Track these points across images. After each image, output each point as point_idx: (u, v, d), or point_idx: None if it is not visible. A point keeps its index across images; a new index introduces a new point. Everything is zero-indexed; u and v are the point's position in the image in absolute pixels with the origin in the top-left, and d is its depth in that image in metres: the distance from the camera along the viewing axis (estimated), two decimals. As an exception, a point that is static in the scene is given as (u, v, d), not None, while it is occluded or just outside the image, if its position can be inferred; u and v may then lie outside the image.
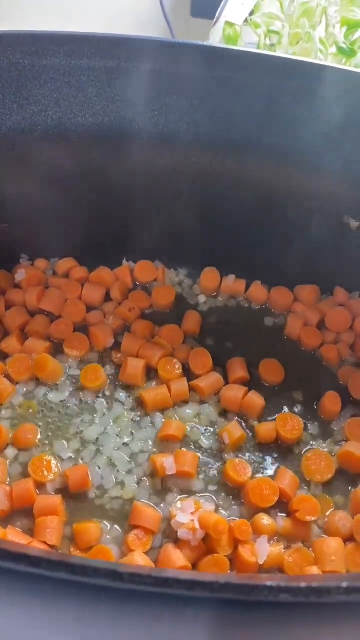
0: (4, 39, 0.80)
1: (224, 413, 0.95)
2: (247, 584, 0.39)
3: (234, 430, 0.91)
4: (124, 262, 1.10)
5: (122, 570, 0.38)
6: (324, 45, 1.09)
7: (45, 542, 0.78)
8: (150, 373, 0.98)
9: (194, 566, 0.79)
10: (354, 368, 1.01)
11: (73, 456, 0.88)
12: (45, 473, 0.85)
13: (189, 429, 0.92)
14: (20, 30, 0.81)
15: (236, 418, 0.95)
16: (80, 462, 0.88)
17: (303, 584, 0.39)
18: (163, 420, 0.93)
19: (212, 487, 0.87)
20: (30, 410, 0.92)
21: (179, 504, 0.83)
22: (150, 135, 0.93)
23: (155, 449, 0.90)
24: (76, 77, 0.86)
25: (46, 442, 0.89)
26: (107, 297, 1.07)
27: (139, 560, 0.78)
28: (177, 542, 0.81)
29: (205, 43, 0.85)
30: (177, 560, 0.78)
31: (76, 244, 1.08)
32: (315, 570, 0.78)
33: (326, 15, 1.19)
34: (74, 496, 0.85)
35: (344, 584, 0.39)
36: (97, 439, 0.90)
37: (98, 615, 0.43)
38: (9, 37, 0.80)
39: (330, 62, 1.11)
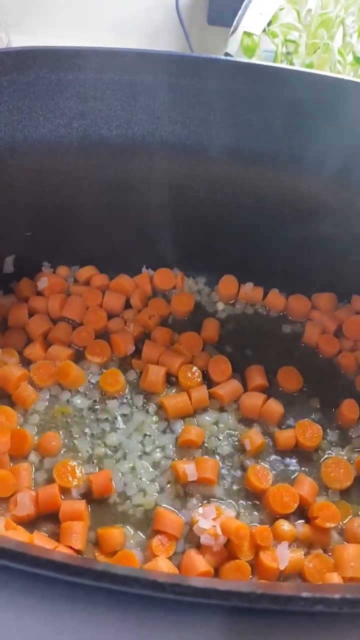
0: (31, 54, 0.82)
1: (244, 420, 0.97)
2: (282, 595, 0.40)
3: (255, 437, 0.93)
4: (144, 269, 1.12)
5: (162, 580, 0.40)
6: (341, 56, 1.10)
7: (70, 547, 0.80)
8: (170, 380, 1.00)
9: (216, 571, 0.81)
10: (372, 376, 1.02)
11: (96, 462, 0.90)
12: (70, 478, 0.87)
13: (209, 435, 0.94)
14: (47, 46, 0.82)
15: (256, 425, 0.96)
16: (103, 467, 0.89)
17: (337, 596, 0.41)
18: (183, 426, 0.94)
19: (232, 494, 0.89)
20: (53, 419, 0.94)
21: (200, 510, 0.85)
22: (172, 146, 0.95)
23: (176, 455, 0.91)
24: (101, 91, 0.87)
25: (70, 447, 0.91)
26: (127, 305, 1.08)
27: (163, 565, 0.79)
28: (199, 547, 0.82)
29: (226, 58, 0.87)
30: (199, 565, 0.79)
31: (97, 252, 1.10)
32: (335, 576, 0.79)
33: (343, 25, 1.20)
34: (98, 501, 0.86)
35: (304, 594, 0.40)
36: (119, 444, 0.92)
37: (136, 624, 0.44)
38: (36, 52, 0.82)
39: (348, 73, 1.12)
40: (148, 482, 0.88)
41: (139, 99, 0.88)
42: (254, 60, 1.10)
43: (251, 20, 1.21)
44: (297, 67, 1.03)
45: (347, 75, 1.14)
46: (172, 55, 0.85)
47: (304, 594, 0.39)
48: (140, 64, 0.85)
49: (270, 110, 0.92)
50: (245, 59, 1.21)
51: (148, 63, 0.85)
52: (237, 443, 0.94)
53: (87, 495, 0.87)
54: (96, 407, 0.96)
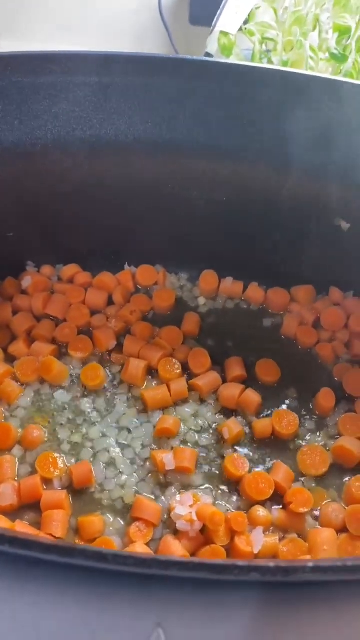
0: (3, 60, 0.85)
1: (222, 411, 0.99)
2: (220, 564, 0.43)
3: (234, 426, 0.95)
4: (126, 266, 1.15)
5: (105, 552, 0.42)
6: (314, 52, 1.12)
7: (51, 535, 0.83)
8: (151, 373, 1.02)
9: (192, 556, 0.83)
10: (349, 365, 1.04)
11: (77, 453, 0.93)
12: (52, 469, 0.89)
13: (188, 426, 0.96)
14: (18, 52, 0.85)
15: (234, 415, 0.98)
16: (84, 458, 0.92)
17: (272, 564, 0.43)
18: (162, 417, 0.97)
19: (210, 482, 0.91)
20: (36, 413, 0.97)
21: (178, 497, 0.87)
22: (147, 145, 0.97)
23: (155, 445, 0.94)
24: (73, 93, 0.90)
25: (52, 440, 0.94)
26: (110, 301, 1.11)
27: (140, 550, 0.82)
28: (176, 533, 0.85)
29: (189, 57, 0.89)
30: (176, 550, 0.82)
31: (80, 250, 1.12)
32: (308, 559, 0.82)
33: (319, 22, 1.22)
34: (79, 491, 0.89)
35: (310, 564, 0.43)
36: (100, 436, 0.94)
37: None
38: (8, 58, 0.85)
39: (321, 69, 1.14)
40: (128, 472, 0.91)
41: (110, 100, 0.91)
42: (219, 59, 1.12)
43: (227, 19, 1.23)
44: (256, 64, 1.05)
45: (321, 71, 1.16)
46: (139, 57, 0.87)
47: (239, 563, 0.42)
48: (108, 66, 0.87)
49: (242, 106, 0.94)
50: (222, 59, 1.24)
51: (116, 65, 0.87)
52: (215, 433, 0.96)
53: (69, 486, 0.90)
54: (78, 400, 0.98)
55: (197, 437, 0.95)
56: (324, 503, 0.89)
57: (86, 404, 0.98)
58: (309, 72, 1.04)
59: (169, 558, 0.44)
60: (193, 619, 0.52)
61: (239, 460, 0.92)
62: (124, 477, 0.90)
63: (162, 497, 0.89)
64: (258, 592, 0.51)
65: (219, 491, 0.91)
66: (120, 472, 0.91)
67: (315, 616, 0.51)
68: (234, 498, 0.90)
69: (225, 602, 0.52)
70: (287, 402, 1.01)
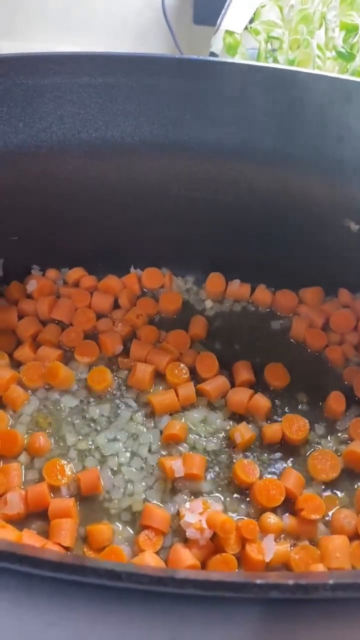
0: (7, 62, 0.84)
1: (231, 416, 0.98)
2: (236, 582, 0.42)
3: (245, 430, 0.94)
4: (132, 269, 1.13)
5: (119, 569, 0.41)
6: (321, 51, 1.11)
7: (59, 544, 0.81)
8: (158, 377, 1.01)
9: (203, 565, 0.82)
10: (359, 368, 1.03)
11: (85, 460, 0.91)
12: (59, 477, 0.88)
13: (196, 431, 0.95)
14: (22, 53, 0.84)
15: (244, 420, 0.97)
16: (92, 465, 0.91)
17: (291, 582, 0.42)
18: (170, 422, 0.96)
19: (220, 488, 0.90)
20: (43, 419, 0.95)
21: (187, 505, 0.86)
22: (152, 146, 0.96)
23: (163, 451, 0.93)
24: (77, 94, 0.89)
25: (59, 446, 0.93)
26: (116, 305, 1.10)
27: (150, 560, 0.81)
28: (186, 541, 0.84)
29: (195, 57, 0.88)
30: (186, 559, 0.80)
31: (85, 253, 1.11)
32: (320, 567, 0.80)
33: (325, 20, 1.20)
34: (87, 499, 0.88)
35: (331, 581, 0.41)
36: (108, 442, 0.93)
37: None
38: (12, 59, 0.84)
39: (328, 68, 1.13)
40: (136, 479, 0.90)
41: (115, 101, 0.90)
42: (224, 59, 1.11)
43: (232, 18, 1.22)
44: (262, 64, 1.04)
45: (328, 69, 1.14)
46: (143, 57, 0.86)
47: (258, 581, 0.40)
48: (113, 66, 0.86)
49: (248, 106, 0.92)
50: (227, 58, 1.22)
51: (120, 66, 0.86)
52: (224, 438, 0.95)
53: (76, 494, 0.88)
54: (84, 406, 0.97)
55: (205, 442, 0.94)
56: (335, 509, 0.88)
57: (93, 410, 0.97)
58: (315, 71, 1.03)
59: (185, 575, 0.43)
60: (207, 635, 0.51)
61: (249, 466, 0.90)
62: (132, 484, 0.89)
63: (171, 505, 0.87)
64: (274, 608, 0.50)
65: (229, 498, 0.89)
66: (129, 479, 0.90)
67: (331, 631, 0.50)
68: (244, 505, 0.89)
69: (240, 617, 0.51)
70: (296, 406, 0.99)
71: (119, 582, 0.42)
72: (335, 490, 0.90)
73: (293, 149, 0.97)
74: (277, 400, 1.00)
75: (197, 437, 0.95)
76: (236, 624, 0.51)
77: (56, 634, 0.49)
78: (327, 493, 0.90)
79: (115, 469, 0.91)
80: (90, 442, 0.93)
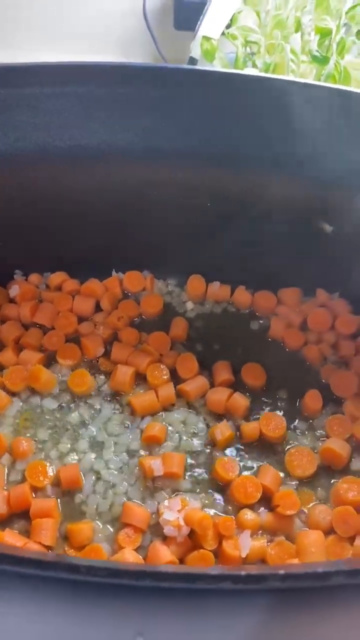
0: (-19, 73, 0.85)
1: (211, 415, 0.99)
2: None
3: (225, 429, 0.95)
4: (113, 273, 1.15)
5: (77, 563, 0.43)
6: (295, 55, 1.13)
7: (40, 543, 0.83)
8: (139, 379, 1.03)
9: (181, 561, 0.84)
10: (336, 367, 1.05)
11: (67, 460, 0.93)
12: (41, 478, 0.90)
13: (176, 431, 0.97)
14: (-1, 64, 0.86)
15: (224, 419, 0.99)
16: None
17: (243, 573, 0.44)
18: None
19: (198, 486, 0.92)
20: (25, 422, 0.97)
21: (166, 502, 0.88)
22: (128, 154, 0.97)
23: (143, 451, 0.95)
24: (52, 103, 0.91)
25: (41, 448, 0.95)
26: (98, 308, 1.12)
27: (129, 557, 0.83)
28: (164, 539, 0.85)
29: (169, 65, 0.90)
30: (164, 556, 0.82)
31: (67, 258, 1.13)
32: (295, 562, 0.82)
33: (300, 24, 1.22)
34: (68, 498, 0.90)
35: (280, 571, 0.43)
36: (89, 443, 0.95)
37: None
38: (-14, 70, 0.86)
39: (302, 72, 1.15)
40: (116, 478, 0.92)
41: (90, 110, 0.91)
42: (199, 67, 1.13)
43: (209, 25, 1.24)
44: (236, 71, 1.06)
45: (303, 73, 1.16)
46: (115, 66, 0.88)
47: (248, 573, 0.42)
48: (86, 75, 0.88)
49: (222, 112, 0.94)
50: (205, 64, 1.24)
51: (94, 74, 0.88)
52: (204, 438, 0.97)
53: (57, 488, 0.90)
54: (66, 408, 0.99)
55: (186, 442, 0.96)
56: (311, 505, 0.90)
57: (74, 412, 0.99)
58: (287, 77, 1.05)
59: (157, 569, 0.45)
60: (174, 627, 0.53)
61: (230, 463, 0.92)
62: (112, 483, 0.91)
63: (151, 503, 0.89)
64: (238, 599, 0.52)
65: (208, 495, 0.91)
66: (109, 478, 0.92)
67: (298, 623, 0.52)
68: (222, 502, 0.91)
69: (207, 609, 0.53)
70: (274, 405, 1.01)
71: (78, 575, 0.44)
72: (312, 487, 0.92)
73: (267, 154, 0.98)
74: (255, 399, 1.02)
75: (178, 437, 0.97)
76: (202, 615, 0.53)
77: (22, 628, 0.51)
78: (304, 489, 0.92)
79: (95, 468, 0.93)
80: (72, 444, 0.95)
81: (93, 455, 0.94)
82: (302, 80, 0.91)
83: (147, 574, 0.44)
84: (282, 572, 0.43)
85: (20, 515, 0.88)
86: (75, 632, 0.52)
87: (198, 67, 1.12)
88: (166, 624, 0.53)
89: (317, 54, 1.17)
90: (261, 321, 1.12)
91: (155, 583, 0.44)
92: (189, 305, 1.14)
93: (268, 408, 1.01)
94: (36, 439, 0.96)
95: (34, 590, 0.52)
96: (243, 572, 0.43)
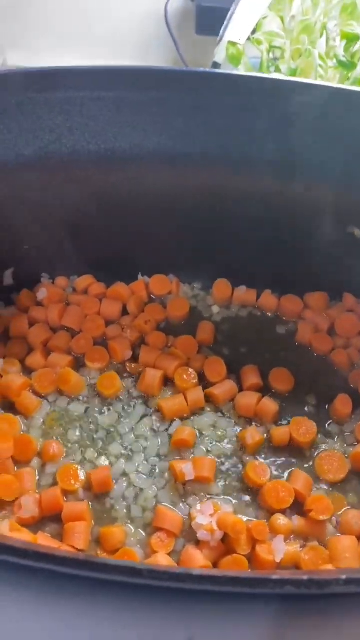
0: (17, 76, 0.86)
1: (240, 419, 0.99)
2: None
3: (254, 433, 0.95)
4: (140, 276, 1.15)
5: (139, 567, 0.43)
6: (323, 60, 1.13)
7: (73, 546, 0.83)
8: (167, 382, 1.03)
9: (214, 565, 0.83)
10: (364, 371, 1.05)
11: (97, 463, 0.93)
12: (73, 482, 0.90)
13: (205, 435, 0.97)
14: (32, 68, 0.86)
15: (253, 423, 0.98)
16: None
17: (305, 577, 0.43)
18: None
19: (230, 491, 0.92)
20: (55, 425, 0.97)
21: (198, 507, 0.88)
22: (160, 157, 0.98)
23: (173, 455, 0.94)
24: (86, 107, 0.91)
25: (71, 451, 0.94)
26: (125, 311, 1.12)
27: (163, 561, 0.82)
28: (197, 543, 0.85)
29: (201, 69, 0.90)
30: (198, 560, 0.82)
31: (94, 261, 1.13)
32: (330, 567, 0.82)
33: (326, 30, 1.22)
34: (100, 501, 0.90)
35: (343, 576, 0.43)
36: (119, 446, 0.95)
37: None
38: (22, 74, 0.86)
39: (330, 77, 1.15)
40: (147, 482, 0.91)
41: (123, 114, 0.92)
42: (230, 71, 1.13)
43: (235, 30, 1.24)
44: (265, 75, 1.06)
45: (330, 78, 1.16)
46: (150, 70, 0.88)
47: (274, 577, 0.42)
48: (119, 80, 0.88)
49: (251, 117, 0.94)
50: (231, 69, 1.25)
51: (127, 79, 0.88)
52: (233, 442, 0.97)
53: (88, 493, 0.90)
54: (95, 411, 0.99)
55: (215, 446, 0.96)
56: (343, 510, 0.90)
57: (103, 415, 0.99)
58: (317, 82, 1.05)
59: (201, 572, 0.45)
60: (224, 632, 0.53)
61: (261, 467, 0.92)
62: (142, 487, 0.91)
63: (183, 507, 0.89)
64: (289, 605, 0.51)
65: (239, 500, 0.91)
66: (140, 482, 0.91)
67: (344, 627, 0.51)
68: (254, 507, 0.90)
69: (256, 614, 0.53)
70: (303, 409, 1.01)
71: (141, 579, 0.44)
72: (342, 492, 0.92)
73: (299, 158, 0.98)
74: (284, 404, 1.01)
75: (208, 441, 0.96)
76: (252, 620, 0.53)
77: (74, 632, 0.51)
78: (336, 494, 0.91)
79: (126, 472, 0.92)
80: (101, 447, 0.95)
81: (123, 459, 0.94)
82: (333, 85, 0.91)
83: (207, 579, 0.44)
84: (344, 576, 0.43)
85: (52, 519, 0.87)
86: (124, 634, 0.51)
87: (231, 71, 1.12)
88: (217, 629, 0.53)
89: (343, 59, 1.17)
90: (288, 326, 1.12)
91: (215, 587, 0.44)
92: (215, 309, 1.14)
93: (296, 413, 1.01)
94: (65, 442, 0.96)
95: (82, 592, 0.52)
96: (305, 577, 0.43)
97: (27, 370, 1.03)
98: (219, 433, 0.97)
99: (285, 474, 0.94)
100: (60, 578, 0.49)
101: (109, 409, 0.99)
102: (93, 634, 0.51)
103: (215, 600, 0.53)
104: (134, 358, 1.06)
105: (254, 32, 1.28)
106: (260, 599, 0.52)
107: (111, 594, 0.51)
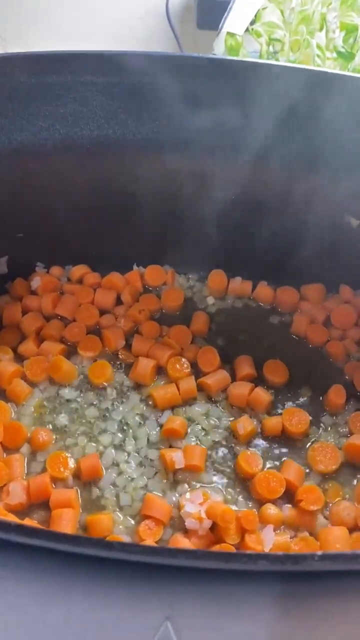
0: (11, 60, 0.86)
1: (232, 409, 0.98)
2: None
3: (247, 423, 0.94)
4: (134, 267, 1.15)
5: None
6: (321, 51, 1.12)
7: (60, 533, 0.82)
8: (160, 372, 1.02)
9: (203, 554, 0.82)
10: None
11: (87, 451, 0.92)
12: (62, 469, 0.89)
13: (197, 424, 0.96)
14: (26, 52, 0.86)
15: (245, 414, 0.97)
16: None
17: (281, 553, 0.42)
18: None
19: (220, 480, 0.91)
20: (45, 412, 0.97)
21: (188, 495, 0.87)
22: (153, 144, 0.98)
23: (164, 445, 0.93)
24: (80, 93, 0.91)
25: (61, 438, 0.94)
26: (119, 301, 1.11)
27: (150, 549, 0.81)
28: (186, 532, 0.84)
29: (195, 54, 0.89)
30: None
31: (89, 251, 1.12)
32: (319, 557, 0.80)
33: (325, 21, 1.22)
34: (88, 489, 0.89)
35: (318, 552, 0.42)
36: (109, 434, 0.94)
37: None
38: (15, 58, 0.86)
39: (328, 67, 1.14)
40: (137, 470, 0.91)
41: (116, 99, 0.91)
42: (226, 57, 1.12)
43: (234, 21, 1.24)
44: (262, 60, 1.05)
45: (329, 69, 1.15)
46: (144, 55, 0.88)
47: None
48: (114, 65, 0.88)
49: (247, 104, 0.94)
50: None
51: (122, 64, 0.88)
52: (225, 431, 0.96)
53: (77, 479, 0.89)
54: (86, 399, 0.98)
55: (207, 435, 0.95)
56: (334, 501, 0.88)
57: (95, 403, 0.98)
58: (316, 68, 1.04)
59: (172, 548, 0.44)
60: (201, 612, 0.52)
61: (253, 457, 0.91)
62: (133, 475, 0.90)
63: (172, 496, 0.88)
64: (267, 585, 0.50)
65: (229, 489, 0.90)
66: (129, 471, 0.91)
67: (328, 609, 0.50)
68: (244, 496, 0.89)
69: (234, 595, 0.52)
70: (297, 400, 1.00)
71: (110, 551, 0.43)
72: (335, 483, 0.90)
73: (293, 147, 0.98)
74: (278, 395, 1.00)
75: (199, 430, 0.95)
76: (229, 601, 0.52)
77: (49, 607, 0.50)
78: (327, 485, 0.90)
79: (115, 461, 0.92)
80: (91, 435, 0.94)
81: (113, 448, 0.93)
82: (332, 71, 0.90)
83: (181, 552, 0.43)
84: (319, 553, 0.42)
85: (40, 506, 0.87)
86: (101, 611, 0.51)
87: (229, 57, 1.11)
88: (194, 609, 0.52)
89: (342, 50, 1.17)
90: (283, 317, 1.11)
91: (189, 562, 0.43)
92: (210, 300, 1.13)
93: (290, 403, 0.99)
94: (56, 429, 0.95)
95: (59, 568, 0.51)
96: (280, 553, 0.42)
97: (20, 358, 1.02)
98: (211, 422, 0.96)
99: (277, 465, 0.92)
100: (35, 553, 0.49)
101: (100, 398, 0.99)
102: (68, 609, 0.51)
103: (194, 580, 0.52)
104: (127, 347, 1.05)
105: (252, 23, 1.27)
106: (243, 579, 0.51)
107: (85, 570, 0.50)
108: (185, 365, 1.01)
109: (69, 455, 0.91)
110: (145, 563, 0.47)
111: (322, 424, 0.97)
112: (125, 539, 0.83)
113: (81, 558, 0.49)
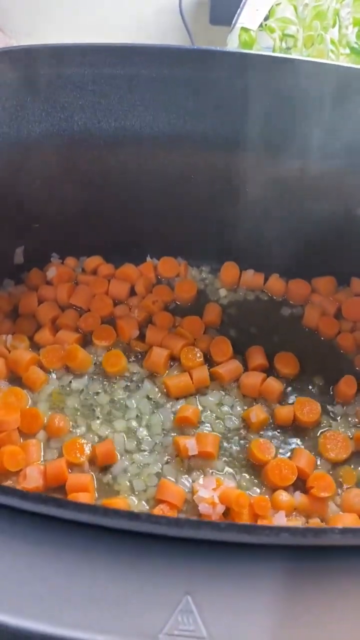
0: (31, 52, 0.87)
1: (244, 399, 1.00)
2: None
3: (259, 412, 0.96)
4: (148, 258, 1.16)
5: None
6: (335, 46, 1.14)
7: (76, 517, 0.84)
8: (173, 362, 1.03)
9: (216, 539, 0.84)
10: (370, 355, 1.05)
11: (100, 438, 0.94)
12: (78, 455, 0.91)
13: (210, 413, 0.97)
14: (45, 44, 0.88)
15: (257, 403, 0.99)
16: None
17: (301, 526, 0.44)
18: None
19: (233, 468, 0.92)
20: (61, 399, 0.98)
21: (201, 481, 0.88)
22: (170, 137, 0.99)
23: (177, 433, 0.95)
24: (99, 85, 0.92)
25: (76, 426, 0.95)
26: (133, 292, 1.13)
27: (164, 532, 0.83)
28: (199, 517, 0.86)
29: (213, 47, 0.90)
30: (199, 532, 0.82)
31: (103, 242, 1.14)
32: (331, 542, 0.82)
33: (339, 17, 1.23)
34: (103, 474, 0.90)
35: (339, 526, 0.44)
36: (123, 422, 0.96)
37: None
38: (35, 50, 0.87)
39: (341, 62, 1.15)
40: (151, 457, 0.92)
41: (135, 92, 0.93)
42: (243, 50, 1.14)
43: (248, 16, 1.25)
44: (278, 54, 1.07)
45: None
46: (163, 48, 0.89)
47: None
48: (133, 58, 0.89)
49: (262, 97, 0.95)
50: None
51: (140, 57, 0.89)
52: (237, 420, 0.97)
53: (92, 465, 0.91)
54: (101, 387, 1.00)
55: (219, 424, 0.96)
56: (345, 488, 0.90)
57: (109, 391, 1.00)
58: (325, 61, 1.05)
59: (199, 520, 0.45)
60: (222, 587, 0.53)
61: (265, 444, 0.92)
62: (146, 462, 0.92)
63: (186, 482, 0.90)
64: (287, 561, 0.52)
65: (242, 477, 0.91)
66: (143, 457, 0.92)
67: (345, 584, 0.52)
68: (256, 484, 0.91)
69: (255, 570, 0.53)
70: (308, 391, 1.01)
71: (139, 522, 0.45)
72: (348, 468, 0.92)
73: (307, 140, 0.99)
74: (289, 386, 1.02)
75: (212, 418, 0.97)
76: (250, 576, 0.53)
77: (73, 579, 0.52)
78: (340, 471, 0.91)
79: (129, 448, 0.93)
80: (106, 422, 0.96)
81: (127, 435, 0.95)
82: (346, 65, 0.91)
83: (205, 524, 0.44)
84: (340, 526, 0.43)
85: (56, 490, 0.88)
86: (123, 584, 0.52)
87: (244, 50, 1.13)
88: (215, 584, 0.53)
89: (355, 45, 1.18)
90: (294, 309, 1.13)
91: (213, 534, 0.45)
92: (222, 292, 1.15)
93: (302, 395, 1.01)
94: (71, 416, 0.97)
95: (83, 541, 0.53)
96: (301, 526, 0.43)
97: (35, 347, 1.04)
98: (224, 411, 0.98)
99: (289, 453, 0.94)
100: (59, 525, 0.50)
101: (114, 386, 1.00)
102: (91, 583, 0.52)
103: (216, 556, 0.53)
104: (141, 337, 1.07)
105: (266, 18, 1.28)
106: (262, 555, 0.52)
107: (110, 542, 0.52)
108: (199, 355, 1.02)
109: (86, 441, 0.93)
110: (166, 537, 0.49)
111: (333, 414, 0.98)
112: (140, 522, 0.85)
113: (105, 531, 0.51)
